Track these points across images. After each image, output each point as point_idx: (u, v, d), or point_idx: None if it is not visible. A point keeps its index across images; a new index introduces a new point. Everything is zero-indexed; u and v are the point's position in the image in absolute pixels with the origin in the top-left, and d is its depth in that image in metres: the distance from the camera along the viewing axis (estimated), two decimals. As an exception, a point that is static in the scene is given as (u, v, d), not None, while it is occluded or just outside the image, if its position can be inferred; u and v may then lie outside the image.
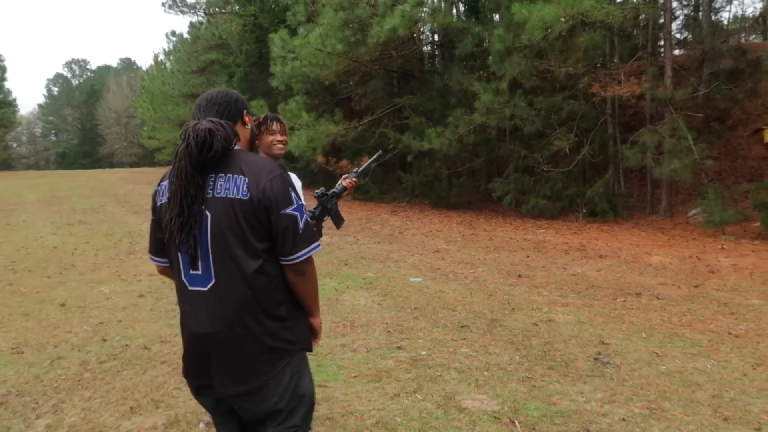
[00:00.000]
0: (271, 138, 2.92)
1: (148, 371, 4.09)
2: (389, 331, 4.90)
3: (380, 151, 3.13)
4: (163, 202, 1.81)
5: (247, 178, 1.71)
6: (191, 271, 1.76)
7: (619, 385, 3.73)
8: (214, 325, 1.73)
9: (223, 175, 1.72)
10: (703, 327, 4.95)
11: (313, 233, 1.82)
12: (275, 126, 2.90)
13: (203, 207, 1.72)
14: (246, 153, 1.83)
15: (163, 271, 1.97)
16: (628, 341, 4.58)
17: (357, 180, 2.82)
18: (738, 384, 3.72)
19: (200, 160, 1.69)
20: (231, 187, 1.71)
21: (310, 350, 1.93)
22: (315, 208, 2.67)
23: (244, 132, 1.92)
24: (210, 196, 1.72)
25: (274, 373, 1.77)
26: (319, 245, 1.84)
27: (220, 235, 1.70)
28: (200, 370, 1.80)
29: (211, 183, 1.73)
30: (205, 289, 1.74)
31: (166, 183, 1.83)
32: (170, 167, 1.78)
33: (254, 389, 1.76)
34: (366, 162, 3.12)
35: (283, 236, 1.73)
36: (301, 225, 1.76)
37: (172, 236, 1.73)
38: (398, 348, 4.47)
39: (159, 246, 1.89)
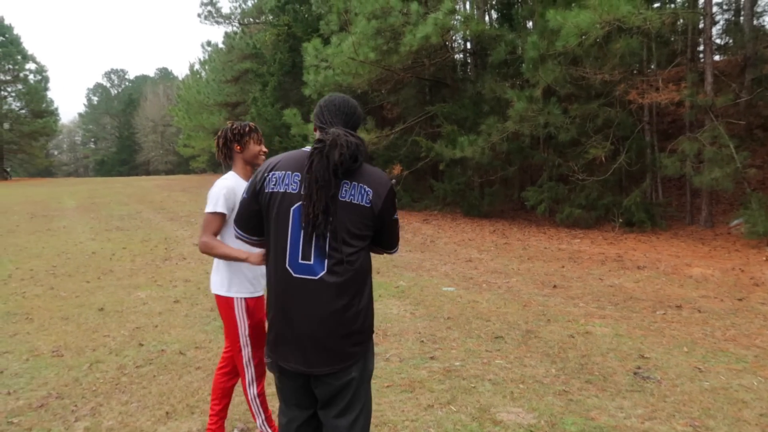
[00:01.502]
0: (258, 148, 2.93)
1: (183, 376, 4.13)
2: (422, 341, 4.85)
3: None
4: (276, 191, 1.99)
5: (371, 189, 1.97)
6: (301, 261, 1.95)
7: (660, 401, 3.61)
8: (319, 311, 1.94)
9: (348, 182, 1.96)
10: (748, 342, 4.77)
11: None
12: (260, 135, 2.96)
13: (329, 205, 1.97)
14: (365, 164, 2.04)
15: (252, 244, 2.18)
16: (668, 355, 4.44)
17: None
18: (788, 403, 3.56)
19: (345, 169, 1.92)
20: (356, 194, 1.96)
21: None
22: None
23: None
24: (341, 198, 1.96)
25: (363, 353, 2.04)
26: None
27: (339, 232, 1.94)
28: (292, 352, 1.99)
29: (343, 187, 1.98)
30: (316, 277, 1.94)
31: (279, 173, 2.01)
32: (289, 161, 2.03)
33: (345, 368, 1.99)
34: None
35: (390, 235, 2.12)
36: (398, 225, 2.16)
37: (307, 227, 1.92)
38: (431, 358, 4.42)
39: (251, 224, 2.11)
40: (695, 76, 11.44)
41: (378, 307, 5.99)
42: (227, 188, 2.78)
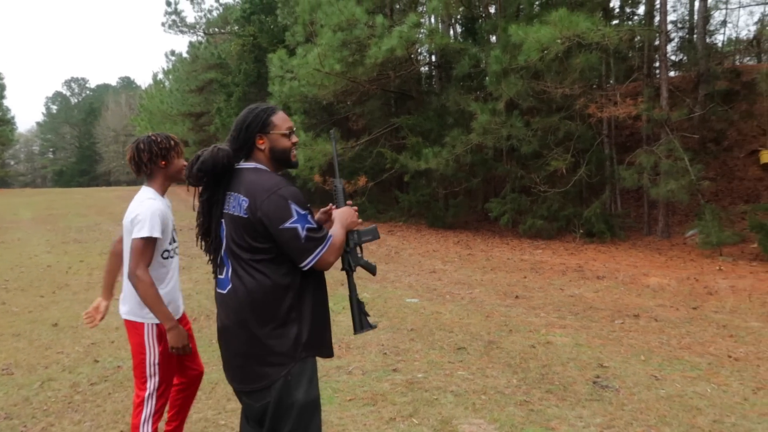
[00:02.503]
0: (182, 162, 2.77)
1: (139, 394, 4.01)
2: (385, 353, 4.84)
3: (333, 130, 2.67)
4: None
5: (247, 198, 1.91)
6: (218, 275, 2.06)
7: (618, 409, 3.67)
8: (226, 324, 2.00)
9: (231, 193, 1.98)
10: (702, 350, 4.90)
11: (318, 239, 1.93)
12: (181, 149, 2.79)
13: (221, 220, 2.01)
14: (253, 172, 1.99)
15: None
16: (626, 364, 4.53)
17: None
18: (739, 409, 3.66)
19: (194, 177, 1.98)
20: (235, 205, 1.95)
21: (324, 356, 2.09)
22: (347, 265, 2.25)
23: (259, 153, 2.06)
24: (225, 211, 2.00)
25: (280, 378, 1.93)
26: (324, 246, 1.95)
27: (230, 246, 1.97)
28: (223, 362, 2.09)
29: (227, 199, 2.00)
30: (224, 291, 2.01)
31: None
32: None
33: (253, 390, 1.95)
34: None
35: (288, 248, 1.91)
36: (303, 235, 1.89)
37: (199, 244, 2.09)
38: (394, 370, 4.41)
39: None
40: (651, 91, 11.81)
41: (341, 319, 5.94)
42: (160, 210, 2.59)
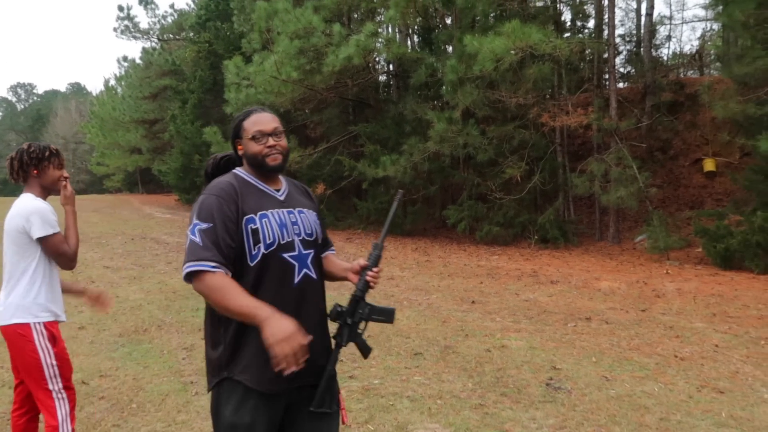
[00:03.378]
0: (58, 173, 2.74)
1: (84, 407, 3.86)
2: (341, 360, 4.78)
3: (401, 191, 2.35)
4: None
5: None
6: None
7: (570, 410, 3.73)
8: None
9: None
10: (650, 350, 5.05)
11: (192, 252, 1.80)
12: (63, 159, 2.77)
13: None
14: (222, 177, 1.97)
15: None
16: (578, 366, 4.62)
17: (378, 269, 2.05)
18: (684, 406, 3.78)
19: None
20: None
21: (261, 387, 1.84)
22: (340, 337, 1.99)
23: (244, 159, 2.02)
24: None
25: (212, 387, 1.90)
26: (192, 266, 1.77)
27: None
28: None
29: None
30: None
31: None
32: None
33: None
34: (387, 219, 2.16)
35: None
36: (187, 243, 1.84)
37: None
38: (350, 377, 4.38)
39: None
40: (601, 101, 12.19)
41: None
42: (48, 209, 2.66)
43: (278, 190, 2.00)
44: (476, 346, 5.20)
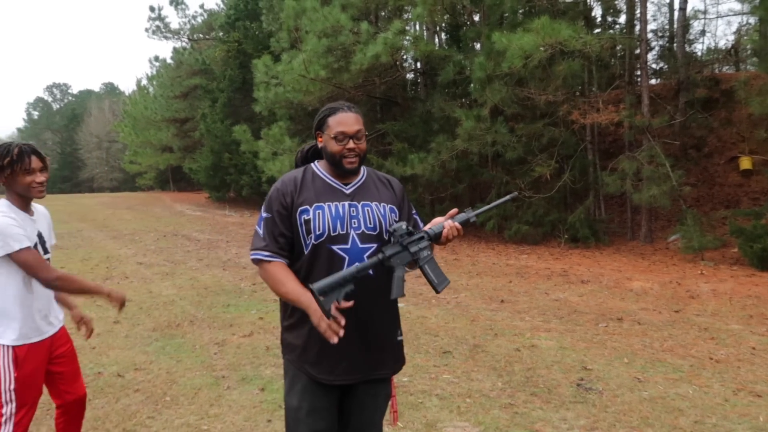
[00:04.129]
0: (28, 179, 2.40)
1: (120, 399, 3.96)
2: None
3: (515, 193, 2.34)
4: None
5: None
6: None
7: (601, 411, 3.69)
8: None
9: None
10: (684, 352, 4.95)
11: (253, 241, 2.00)
12: (34, 163, 2.41)
13: None
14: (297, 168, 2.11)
15: None
16: (610, 367, 4.56)
17: (461, 227, 2.00)
18: (720, 410, 3.70)
19: None
20: None
21: (312, 373, 1.96)
22: (388, 254, 1.91)
23: (323, 152, 2.07)
24: None
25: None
26: (252, 255, 1.99)
27: None
28: None
29: None
30: None
31: None
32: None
33: None
34: (492, 203, 2.19)
35: None
36: (254, 233, 2.03)
37: None
38: (379, 375, 4.39)
39: None
40: (633, 98, 11.96)
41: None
42: (8, 224, 2.37)
43: (347, 184, 2.03)
44: (505, 345, 5.17)
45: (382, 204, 2.03)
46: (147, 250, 11.97)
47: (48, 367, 2.56)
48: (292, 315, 2.00)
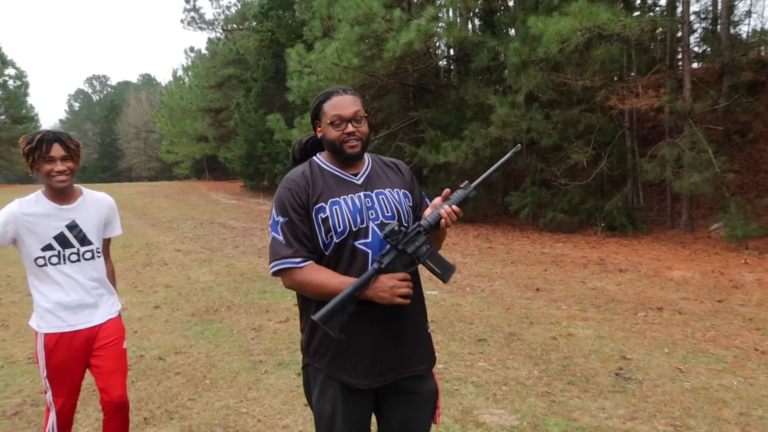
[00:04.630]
0: (48, 167, 2.36)
1: (162, 382, 4.07)
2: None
3: (518, 146, 2.12)
4: None
5: None
6: None
7: (641, 401, 3.62)
8: None
9: None
10: (727, 343, 4.82)
11: (275, 251, 1.80)
12: (54, 151, 2.34)
13: None
14: (293, 169, 1.95)
15: None
16: (650, 357, 4.47)
17: (459, 209, 1.82)
18: (766, 402, 3.60)
19: None
20: None
21: (343, 379, 1.84)
22: (385, 264, 1.76)
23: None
24: None
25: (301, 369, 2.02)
26: (277, 266, 1.79)
27: None
28: None
29: None
30: None
31: None
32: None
33: None
34: (493, 167, 2.02)
35: None
36: (270, 241, 1.85)
37: None
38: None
39: None
40: (674, 82, 11.60)
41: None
42: (11, 213, 2.39)
43: (356, 174, 1.90)
44: (542, 333, 5.12)
45: (395, 190, 1.92)
46: (184, 238, 12.22)
47: (89, 359, 2.54)
48: (307, 316, 1.88)
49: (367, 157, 1.98)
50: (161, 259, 9.47)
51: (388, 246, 1.77)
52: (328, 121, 1.84)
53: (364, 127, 1.86)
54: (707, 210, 12.13)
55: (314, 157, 1.95)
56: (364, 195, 1.85)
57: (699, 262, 8.65)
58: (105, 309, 2.60)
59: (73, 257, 2.49)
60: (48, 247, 2.44)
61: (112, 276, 2.78)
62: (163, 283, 7.56)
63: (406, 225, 1.86)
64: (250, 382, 4.04)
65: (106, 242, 2.75)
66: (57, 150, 2.33)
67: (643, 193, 13.08)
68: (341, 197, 1.83)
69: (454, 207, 1.80)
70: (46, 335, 2.44)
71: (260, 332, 5.27)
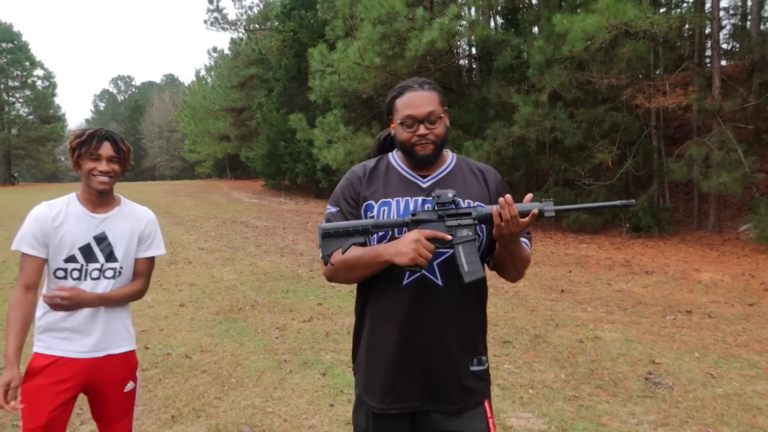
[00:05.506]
0: (91, 165, 2.12)
1: (189, 380, 4.10)
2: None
3: (631, 201, 1.70)
4: None
5: None
6: None
7: (672, 407, 3.55)
8: None
9: None
10: (760, 348, 4.70)
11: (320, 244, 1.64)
12: (103, 149, 2.11)
13: None
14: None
15: None
16: (680, 361, 4.38)
17: (517, 213, 1.57)
18: (803, 409, 3.50)
19: None
20: None
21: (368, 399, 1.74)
22: (418, 218, 1.60)
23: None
24: None
25: None
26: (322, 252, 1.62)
27: None
28: None
29: None
30: None
31: None
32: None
33: None
34: (587, 204, 1.75)
35: None
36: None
37: None
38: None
39: None
40: (702, 80, 11.38)
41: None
42: (37, 218, 2.14)
43: (425, 177, 1.73)
44: (568, 336, 5.05)
45: (466, 201, 1.68)
46: (208, 236, 12.33)
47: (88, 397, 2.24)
48: (359, 330, 1.77)
49: (451, 158, 1.80)
50: (185, 258, 9.56)
51: (430, 207, 1.61)
52: (400, 121, 1.68)
53: (439, 129, 1.68)
54: (736, 211, 11.88)
55: (390, 153, 1.83)
56: (423, 200, 1.68)
57: (728, 264, 8.47)
58: (112, 343, 2.24)
59: (95, 273, 2.14)
60: (71, 259, 2.12)
61: (134, 296, 2.33)
62: (188, 282, 7.63)
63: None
64: (276, 381, 4.05)
65: (144, 262, 2.29)
66: (106, 149, 2.10)
67: (669, 193, 12.86)
68: (395, 198, 1.68)
69: (514, 209, 1.55)
70: (35, 353, 2.12)
71: (284, 331, 5.29)
